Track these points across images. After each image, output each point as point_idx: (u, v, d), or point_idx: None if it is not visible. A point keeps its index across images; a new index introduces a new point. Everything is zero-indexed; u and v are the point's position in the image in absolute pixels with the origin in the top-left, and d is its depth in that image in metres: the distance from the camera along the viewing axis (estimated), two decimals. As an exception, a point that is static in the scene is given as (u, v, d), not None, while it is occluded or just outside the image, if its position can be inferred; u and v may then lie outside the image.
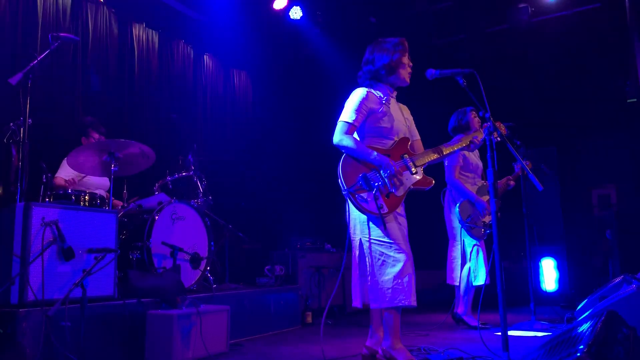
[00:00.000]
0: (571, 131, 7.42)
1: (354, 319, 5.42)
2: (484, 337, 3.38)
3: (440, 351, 3.52)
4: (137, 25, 6.19)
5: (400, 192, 3.11)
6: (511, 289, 6.70)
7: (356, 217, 3.15)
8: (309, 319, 5.31)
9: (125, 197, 4.76)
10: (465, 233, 4.69)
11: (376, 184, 3.03)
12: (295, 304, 5.13)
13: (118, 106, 5.86)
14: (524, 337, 4.17)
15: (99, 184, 4.76)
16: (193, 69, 6.98)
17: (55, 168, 4.65)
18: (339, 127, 3.17)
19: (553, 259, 6.88)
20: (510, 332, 4.11)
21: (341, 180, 3.05)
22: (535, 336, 4.19)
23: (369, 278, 3.06)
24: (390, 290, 2.98)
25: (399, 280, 2.99)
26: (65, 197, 4.10)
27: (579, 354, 1.25)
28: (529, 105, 7.41)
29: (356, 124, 3.16)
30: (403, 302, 2.98)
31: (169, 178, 4.79)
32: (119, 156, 4.04)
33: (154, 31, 6.41)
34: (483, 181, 4.90)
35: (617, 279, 3.96)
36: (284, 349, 3.92)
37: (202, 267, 4.45)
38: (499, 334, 2.87)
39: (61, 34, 3.72)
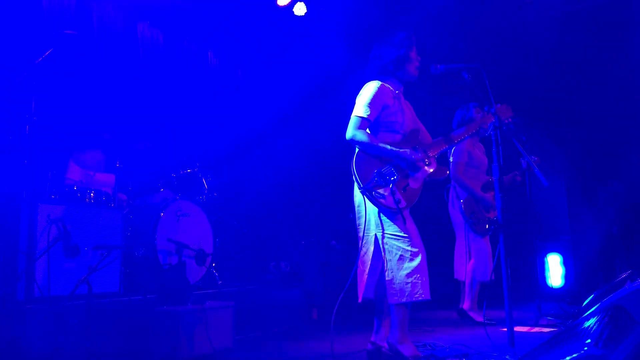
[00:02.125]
0: (577, 125, 7.38)
1: (358, 315, 5.42)
2: (489, 333, 3.37)
3: (446, 347, 3.51)
4: (142, 23, 6.20)
5: (417, 184, 3.10)
6: (517, 284, 6.70)
7: (371, 212, 3.10)
8: (315, 315, 5.32)
9: (130, 194, 4.78)
10: (470, 229, 4.68)
11: (392, 178, 3.02)
12: (300, 300, 5.13)
13: (123, 103, 5.86)
14: (530, 332, 4.15)
15: (105, 181, 4.77)
16: (197, 67, 6.98)
17: (61, 165, 4.67)
18: (353, 122, 3.12)
19: (559, 254, 6.86)
20: (516, 328, 4.10)
21: (356, 178, 3.02)
22: (541, 332, 4.18)
23: (387, 273, 3.04)
24: (409, 285, 2.97)
25: (417, 275, 2.98)
26: (71, 194, 4.11)
27: (586, 348, 1.25)
28: (535, 99, 7.37)
29: (370, 118, 3.11)
30: (422, 296, 2.98)
31: (173, 175, 4.80)
32: (123, 153, 4.05)
33: (158, 29, 6.42)
34: (488, 177, 4.89)
35: (624, 275, 3.94)
36: (290, 345, 3.93)
37: (207, 264, 4.46)
38: (505, 329, 2.86)
39: (66, 31, 3.73)
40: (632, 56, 6.25)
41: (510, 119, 3.32)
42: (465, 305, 4.79)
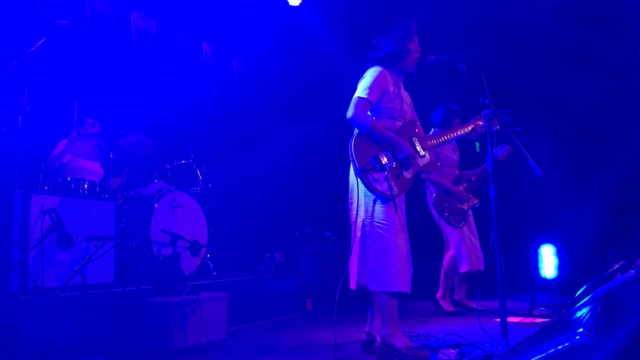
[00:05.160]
0: (571, 116, 7.39)
1: (352, 306, 5.43)
2: (483, 323, 3.39)
3: (439, 337, 3.53)
4: (135, 12, 6.15)
5: (410, 173, 3.10)
6: (510, 275, 6.73)
7: (363, 197, 3.09)
8: (309, 306, 5.33)
9: (124, 185, 4.76)
10: (445, 223, 4.76)
11: (388, 164, 3.01)
12: (295, 291, 5.14)
13: (117, 94, 5.83)
14: (523, 323, 4.18)
15: (93, 170, 4.75)
16: (191, 57, 6.94)
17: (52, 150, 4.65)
18: (354, 103, 3.09)
19: (552, 245, 6.89)
20: (510, 319, 4.13)
21: (353, 159, 3.00)
22: (534, 322, 4.20)
23: (371, 260, 3.04)
24: (390, 275, 2.96)
25: (399, 266, 2.97)
26: (64, 185, 4.10)
27: (578, 337, 1.25)
28: (529, 90, 7.37)
29: (372, 100, 3.10)
30: (402, 287, 2.97)
31: (168, 166, 4.79)
32: (117, 144, 4.03)
33: (152, 18, 6.37)
34: (459, 172, 4.97)
35: (617, 266, 3.97)
36: (284, 335, 3.94)
37: (201, 255, 4.46)
38: (498, 320, 2.87)
39: (58, 21, 3.70)
40: (628, 46, 6.25)
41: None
42: (438, 294, 4.90)
